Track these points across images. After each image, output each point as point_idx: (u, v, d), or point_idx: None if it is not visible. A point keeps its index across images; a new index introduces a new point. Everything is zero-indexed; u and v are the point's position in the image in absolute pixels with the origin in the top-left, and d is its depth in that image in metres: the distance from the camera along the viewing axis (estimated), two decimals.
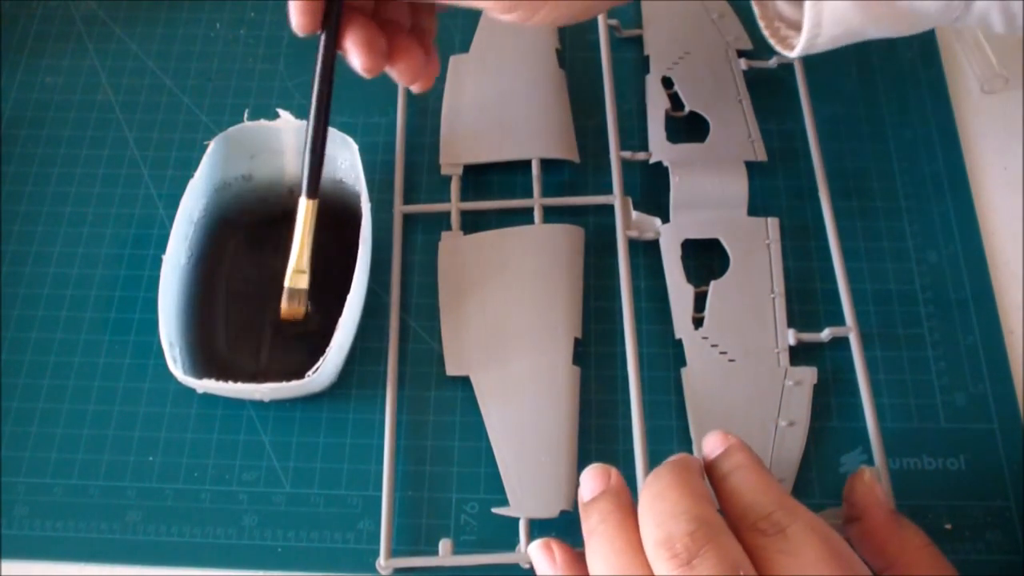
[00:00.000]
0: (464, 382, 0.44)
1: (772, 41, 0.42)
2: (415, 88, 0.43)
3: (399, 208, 0.49)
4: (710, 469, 0.34)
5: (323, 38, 0.40)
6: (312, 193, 0.42)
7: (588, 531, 0.33)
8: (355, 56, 0.40)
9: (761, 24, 0.42)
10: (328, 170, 0.48)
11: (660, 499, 0.31)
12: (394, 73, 0.42)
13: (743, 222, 0.47)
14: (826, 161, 0.49)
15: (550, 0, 0.38)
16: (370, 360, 0.45)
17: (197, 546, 0.41)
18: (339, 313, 0.42)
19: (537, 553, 0.35)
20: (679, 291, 0.46)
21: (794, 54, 0.40)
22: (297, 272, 0.43)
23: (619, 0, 0.43)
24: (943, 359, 0.45)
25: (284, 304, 0.43)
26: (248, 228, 0.48)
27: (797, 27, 0.41)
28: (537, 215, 0.48)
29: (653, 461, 0.41)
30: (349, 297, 0.42)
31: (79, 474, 0.43)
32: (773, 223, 0.47)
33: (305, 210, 0.42)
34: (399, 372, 0.45)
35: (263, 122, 0.47)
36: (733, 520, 0.32)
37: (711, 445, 0.34)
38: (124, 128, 0.53)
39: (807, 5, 0.37)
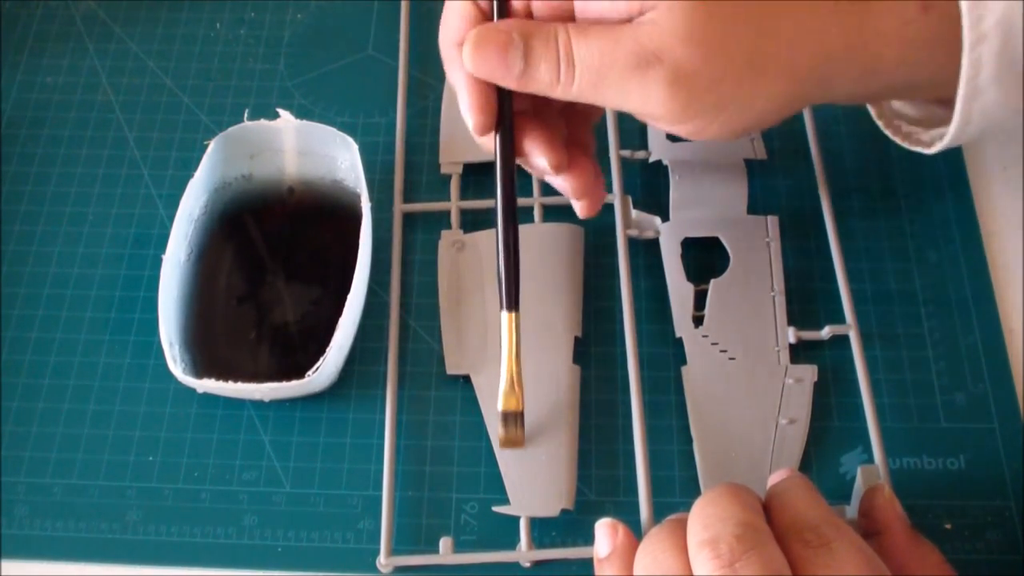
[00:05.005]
0: (464, 382, 0.44)
1: (896, 139, 0.42)
2: (584, 209, 0.41)
3: (399, 207, 0.49)
4: (768, 493, 0.35)
5: (499, 138, 0.38)
6: (512, 305, 0.39)
7: None
8: (538, 153, 0.38)
9: (880, 123, 0.42)
10: (328, 170, 0.48)
11: (712, 504, 0.32)
12: (566, 184, 0.40)
13: (743, 220, 0.47)
14: (826, 160, 0.49)
15: (723, 113, 0.36)
16: (370, 360, 0.45)
17: (197, 546, 0.41)
18: (339, 313, 0.42)
19: (601, 529, 0.36)
20: (679, 290, 0.46)
21: (935, 150, 0.40)
22: (509, 393, 0.40)
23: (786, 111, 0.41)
24: (943, 359, 0.45)
25: (500, 431, 0.41)
26: (248, 228, 0.48)
27: (919, 123, 0.41)
28: (537, 214, 0.48)
29: (653, 461, 0.41)
30: (349, 297, 0.42)
31: (79, 474, 0.43)
32: (773, 221, 0.47)
33: (508, 324, 0.39)
34: (399, 372, 0.45)
35: (263, 122, 0.47)
36: (780, 530, 0.32)
37: (775, 477, 0.36)
38: (124, 128, 0.53)
39: (959, 103, 0.37)
